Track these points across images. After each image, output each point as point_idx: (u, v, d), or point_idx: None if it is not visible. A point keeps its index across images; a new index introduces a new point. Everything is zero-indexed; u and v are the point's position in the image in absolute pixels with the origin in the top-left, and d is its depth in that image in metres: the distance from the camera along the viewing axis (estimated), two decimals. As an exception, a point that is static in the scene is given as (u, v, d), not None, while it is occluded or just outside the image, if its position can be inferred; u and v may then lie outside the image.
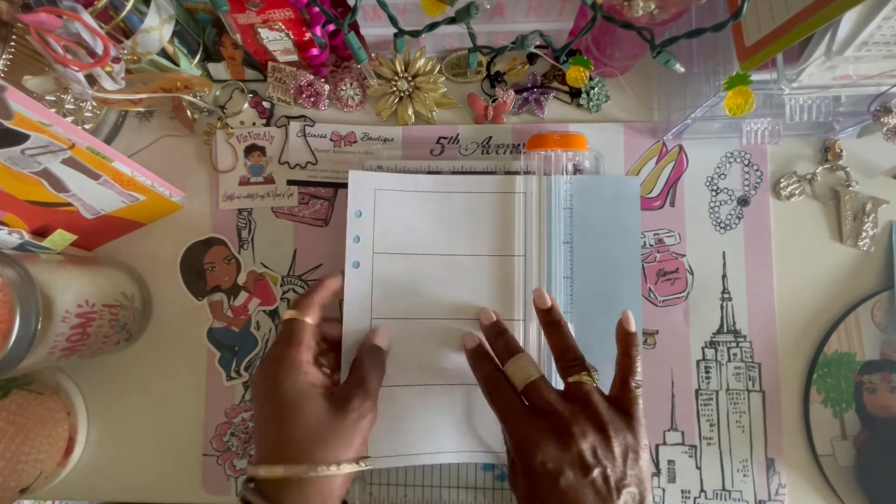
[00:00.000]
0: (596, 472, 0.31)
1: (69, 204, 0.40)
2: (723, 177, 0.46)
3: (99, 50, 0.36)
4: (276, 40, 0.42)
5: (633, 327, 0.36)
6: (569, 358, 0.36)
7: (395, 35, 0.38)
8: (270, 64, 0.47)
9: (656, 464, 0.44)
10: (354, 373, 0.37)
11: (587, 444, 0.31)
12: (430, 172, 0.46)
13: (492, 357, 0.38)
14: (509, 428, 0.34)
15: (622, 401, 0.35)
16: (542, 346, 0.42)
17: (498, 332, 0.39)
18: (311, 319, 0.37)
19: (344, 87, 0.48)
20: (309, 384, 0.34)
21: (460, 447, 0.42)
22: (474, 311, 0.43)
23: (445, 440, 0.42)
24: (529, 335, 0.43)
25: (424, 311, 0.42)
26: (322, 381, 0.36)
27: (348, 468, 0.33)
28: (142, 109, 0.48)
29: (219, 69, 0.47)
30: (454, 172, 0.46)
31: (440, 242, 0.43)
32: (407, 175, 0.44)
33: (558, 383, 0.37)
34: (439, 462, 0.42)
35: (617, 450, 0.32)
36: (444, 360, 0.43)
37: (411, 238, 0.43)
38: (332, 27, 0.44)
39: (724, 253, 0.46)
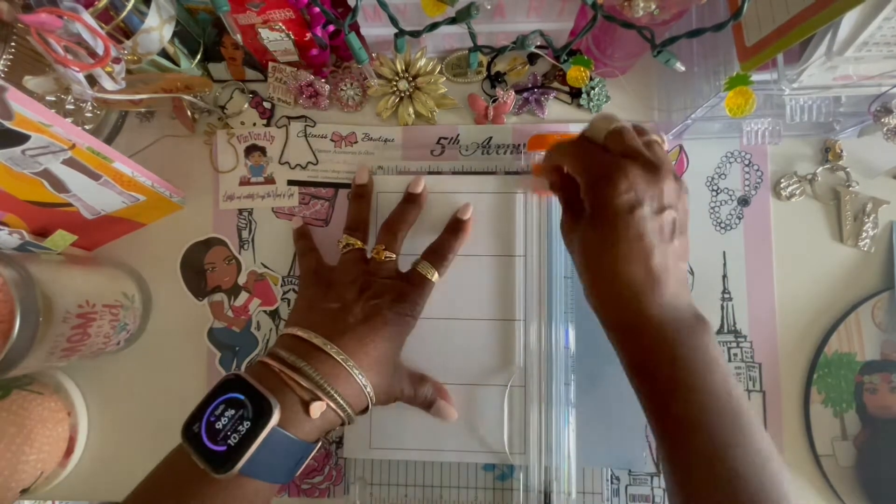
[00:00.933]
0: (667, 214, 0.32)
1: (69, 204, 0.40)
2: (723, 177, 0.46)
3: (99, 50, 0.36)
4: (277, 40, 0.42)
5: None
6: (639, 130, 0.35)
7: (396, 35, 0.38)
8: (271, 64, 0.47)
9: (658, 464, 0.44)
10: (424, 381, 0.42)
11: (669, 186, 0.32)
12: (430, 173, 0.46)
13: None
14: (589, 165, 0.33)
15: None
16: (541, 348, 0.42)
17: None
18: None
19: (344, 88, 0.48)
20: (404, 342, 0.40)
21: (461, 447, 0.42)
22: (475, 310, 0.43)
23: (446, 439, 0.42)
24: (530, 335, 0.43)
25: (426, 311, 0.42)
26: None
27: (369, 390, 0.36)
28: (142, 110, 0.48)
29: (219, 69, 0.47)
30: (454, 173, 0.46)
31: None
32: (407, 178, 0.45)
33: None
34: (439, 460, 0.42)
35: (683, 201, 0.33)
36: (447, 360, 0.43)
37: (412, 239, 0.43)
38: (332, 27, 0.44)
39: (724, 253, 0.45)
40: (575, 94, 0.47)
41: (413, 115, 0.47)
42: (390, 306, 0.38)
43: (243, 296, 0.47)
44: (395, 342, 0.38)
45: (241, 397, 0.32)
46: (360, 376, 0.35)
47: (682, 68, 0.34)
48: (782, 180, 0.46)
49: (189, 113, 0.47)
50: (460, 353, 0.43)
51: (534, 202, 0.44)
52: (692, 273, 0.45)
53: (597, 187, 0.33)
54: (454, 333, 0.43)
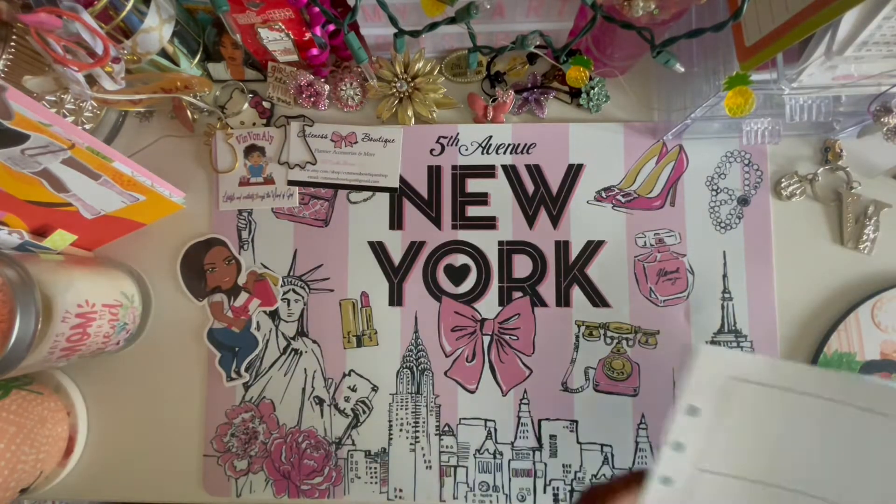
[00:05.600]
0: None
1: (69, 204, 0.40)
2: (723, 176, 0.46)
3: (99, 50, 0.36)
4: (276, 40, 0.42)
5: None
6: None
7: (395, 35, 0.38)
8: (270, 64, 0.47)
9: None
10: None
11: None
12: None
13: None
14: None
15: None
16: None
17: None
18: None
19: (344, 88, 0.48)
20: None
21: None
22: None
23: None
24: None
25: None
26: None
27: None
28: (142, 109, 0.48)
29: (219, 69, 0.47)
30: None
31: (805, 471, 0.29)
32: (785, 363, 0.31)
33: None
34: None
35: None
36: None
37: (762, 458, 0.29)
38: (332, 27, 0.44)
39: (724, 253, 0.45)
40: (575, 93, 0.47)
41: (412, 116, 0.47)
42: None
43: (243, 296, 0.47)
44: None
45: None
46: None
47: (682, 69, 0.34)
48: (783, 180, 0.46)
49: (189, 113, 0.47)
50: None
51: None
52: (692, 273, 0.46)
53: None
54: None
